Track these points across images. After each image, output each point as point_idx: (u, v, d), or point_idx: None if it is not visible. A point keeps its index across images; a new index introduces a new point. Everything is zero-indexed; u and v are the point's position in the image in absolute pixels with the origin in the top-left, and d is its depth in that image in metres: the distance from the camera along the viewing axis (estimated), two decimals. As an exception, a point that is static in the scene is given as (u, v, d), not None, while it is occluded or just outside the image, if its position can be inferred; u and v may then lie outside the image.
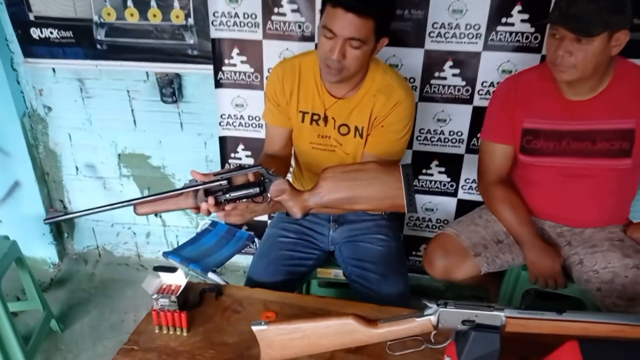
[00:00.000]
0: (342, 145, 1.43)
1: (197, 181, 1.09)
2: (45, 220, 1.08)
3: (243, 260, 2.22)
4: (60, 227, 2.52)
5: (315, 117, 1.42)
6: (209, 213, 1.10)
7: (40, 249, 2.45)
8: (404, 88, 1.36)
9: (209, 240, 2.13)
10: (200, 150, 2.18)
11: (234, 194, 1.11)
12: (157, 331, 1.21)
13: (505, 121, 1.51)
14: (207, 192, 1.10)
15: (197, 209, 1.10)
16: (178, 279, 1.32)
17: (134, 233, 2.45)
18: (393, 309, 1.21)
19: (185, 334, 1.20)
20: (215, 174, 1.09)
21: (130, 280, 2.45)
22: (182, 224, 2.39)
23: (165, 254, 1.97)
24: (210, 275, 1.87)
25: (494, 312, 0.85)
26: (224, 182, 1.10)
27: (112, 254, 2.55)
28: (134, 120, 2.17)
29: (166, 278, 1.32)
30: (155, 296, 1.25)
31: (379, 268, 1.45)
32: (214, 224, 2.22)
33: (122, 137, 2.22)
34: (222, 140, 2.09)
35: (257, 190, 1.11)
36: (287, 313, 1.24)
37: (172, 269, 1.32)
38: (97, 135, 2.24)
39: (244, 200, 1.13)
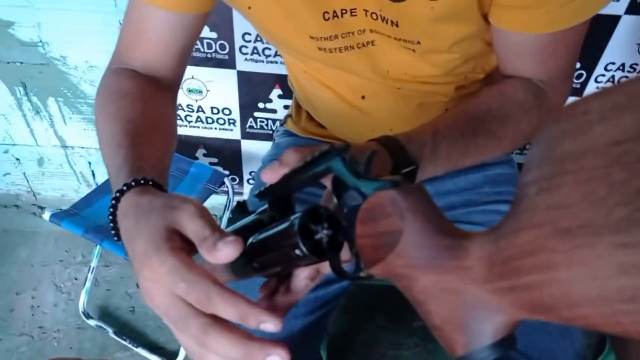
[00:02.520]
0: (397, 25, 0.57)
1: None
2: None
3: (213, 199, 1.38)
4: None
5: None
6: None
7: None
8: None
9: (140, 183, 1.23)
10: (107, 9, 1.25)
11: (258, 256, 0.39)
12: None
13: None
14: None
15: None
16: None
17: (17, 159, 1.59)
18: None
19: None
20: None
21: (23, 232, 1.68)
22: (96, 144, 1.48)
23: (55, 218, 1.10)
24: None
25: None
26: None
27: (-10, 191, 1.67)
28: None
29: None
30: None
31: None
32: (148, 148, 1.30)
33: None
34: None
35: (293, 243, 0.34)
36: None
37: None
38: None
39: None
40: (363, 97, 0.69)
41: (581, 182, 0.21)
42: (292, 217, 0.34)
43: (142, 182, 0.43)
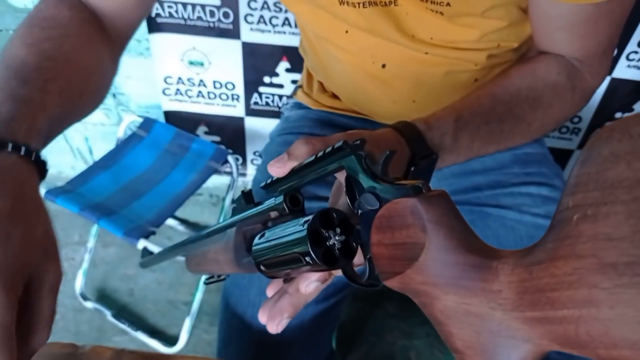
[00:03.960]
0: None
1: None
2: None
3: (215, 179, 1.34)
4: None
5: None
6: None
7: None
8: None
9: (140, 160, 1.23)
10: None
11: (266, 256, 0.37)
12: None
13: None
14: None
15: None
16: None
17: (11, 133, 1.50)
18: None
19: None
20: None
21: None
22: (93, 118, 1.45)
23: (50, 194, 1.07)
24: (143, 244, 1.01)
25: None
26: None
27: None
28: None
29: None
30: None
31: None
32: (147, 123, 1.28)
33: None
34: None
35: (301, 246, 0.32)
36: None
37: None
38: None
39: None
40: (383, 66, 0.65)
41: (633, 214, 0.19)
42: (302, 221, 0.32)
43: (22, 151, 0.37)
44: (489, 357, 0.25)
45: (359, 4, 0.58)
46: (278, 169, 0.38)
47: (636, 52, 1.15)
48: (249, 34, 1.17)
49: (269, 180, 0.39)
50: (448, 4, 0.55)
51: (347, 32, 0.63)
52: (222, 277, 0.53)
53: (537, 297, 0.23)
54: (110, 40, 0.56)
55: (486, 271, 0.26)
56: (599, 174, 0.20)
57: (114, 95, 1.42)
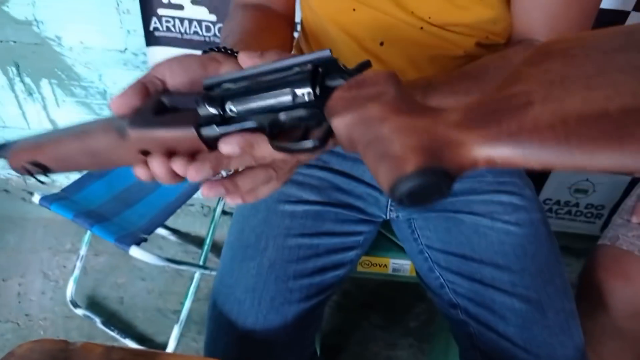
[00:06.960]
0: None
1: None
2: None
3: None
4: None
5: None
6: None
7: None
8: None
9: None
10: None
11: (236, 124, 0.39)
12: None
13: None
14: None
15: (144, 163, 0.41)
16: None
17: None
18: None
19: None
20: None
21: (12, 217, 1.65)
22: (89, 129, 1.45)
23: (45, 201, 1.09)
24: (134, 251, 1.02)
25: None
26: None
27: (-21, 174, 1.65)
28: None
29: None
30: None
31: (518, 284, 0.70)
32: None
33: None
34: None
35: (287, 98, 0.37)
36: None
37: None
38: None
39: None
40: (381, 44, 0.68)
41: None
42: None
43: None
44: (431, 155, 0.31)
45: None
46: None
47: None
48: (243, 50, 1.20)
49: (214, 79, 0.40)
50: None
51: (354, 10, 0.65)
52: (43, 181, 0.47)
53: (481, 115, 0.32)
54: (283, 18, 0.70)
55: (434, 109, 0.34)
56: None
57: (110, 108, 1.45)
